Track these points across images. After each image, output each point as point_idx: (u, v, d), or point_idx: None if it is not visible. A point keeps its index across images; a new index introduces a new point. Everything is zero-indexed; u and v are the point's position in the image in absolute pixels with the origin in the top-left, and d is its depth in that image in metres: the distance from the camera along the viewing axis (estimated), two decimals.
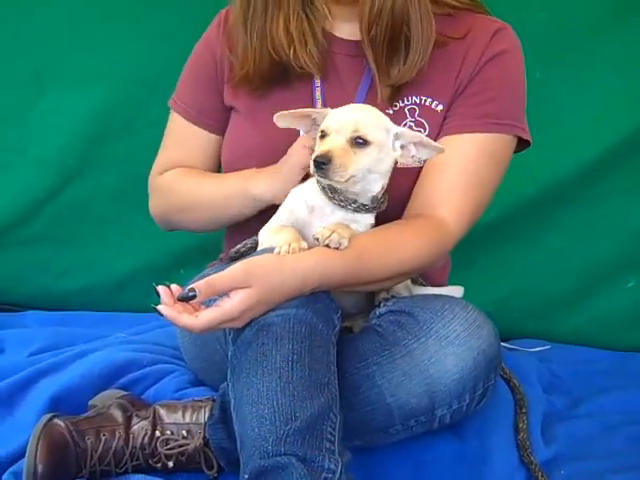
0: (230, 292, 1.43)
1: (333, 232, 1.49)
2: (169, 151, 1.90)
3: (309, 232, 1.56)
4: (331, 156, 1.46)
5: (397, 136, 1.55)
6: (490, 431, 1.74)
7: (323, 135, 1.51)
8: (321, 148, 1.49)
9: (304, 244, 1.50)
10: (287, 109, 1.59)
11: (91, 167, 2.46)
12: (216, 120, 1.85)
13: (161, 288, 1.42)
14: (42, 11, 2.40)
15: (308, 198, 1.58)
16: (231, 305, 1.42)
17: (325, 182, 1.53)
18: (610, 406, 1.99)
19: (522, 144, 1.77)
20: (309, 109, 1.60)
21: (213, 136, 1.86)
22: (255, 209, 1.73)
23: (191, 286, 1.41)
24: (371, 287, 1.62)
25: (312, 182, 1.59)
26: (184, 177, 1.84)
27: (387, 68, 1.68)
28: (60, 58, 2.42)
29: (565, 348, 2.32)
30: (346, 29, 1.76)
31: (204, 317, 1.42)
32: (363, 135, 1.50)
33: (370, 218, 1.59)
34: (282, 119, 1.58)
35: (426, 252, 1.63)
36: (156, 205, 1.90)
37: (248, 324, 1.46)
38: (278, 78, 1.74)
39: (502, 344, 2.08)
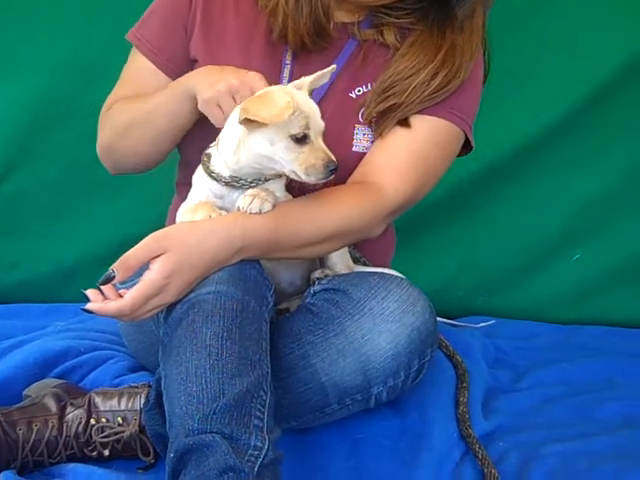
0: (150, 264, 1.41)
1: (255, 197, 1.47)
2: (123, 89, 1.80)
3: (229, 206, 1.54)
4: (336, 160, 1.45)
5: None
6: (430, 406, 1.73)
7: (302, 137, 1.44)
8: (321, 155, 1.44)
9: (224, 213, 1.49)
10: None
11: (32, 157, 2.41)
12: (180, 69, 1.75)
13: (89, 291, 1.44)
14: None
15: (213, 188, 1.54)
16: (152, 275, 1.41)
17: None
18: (552, 378, 2.00)
19: (463, 150, 1.79)
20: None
21: None
22: (192, 110, 1.62)
23: (110, 268, 1.40)
24: (305, 252, 1.58)
25: (204, 179, 1.56)
26: (130, 101, 1.75)
27: None
28: None
29: (510, 323, 2.33)
30: (341, 12, 1.74)
31: (130, 294, 1.42)
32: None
33: (278, 182, 1.55)
34: None
35: (358, 213, 1.61)
36: (102, 137, 1.80)
37: (179, 302, 1.44)
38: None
39: (447, 321, 2.10)
